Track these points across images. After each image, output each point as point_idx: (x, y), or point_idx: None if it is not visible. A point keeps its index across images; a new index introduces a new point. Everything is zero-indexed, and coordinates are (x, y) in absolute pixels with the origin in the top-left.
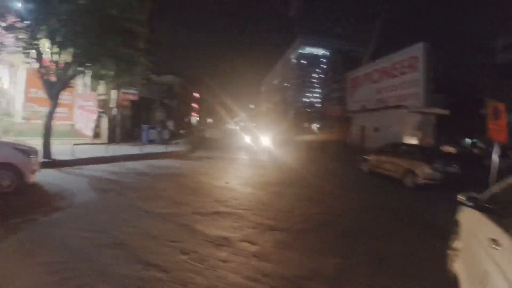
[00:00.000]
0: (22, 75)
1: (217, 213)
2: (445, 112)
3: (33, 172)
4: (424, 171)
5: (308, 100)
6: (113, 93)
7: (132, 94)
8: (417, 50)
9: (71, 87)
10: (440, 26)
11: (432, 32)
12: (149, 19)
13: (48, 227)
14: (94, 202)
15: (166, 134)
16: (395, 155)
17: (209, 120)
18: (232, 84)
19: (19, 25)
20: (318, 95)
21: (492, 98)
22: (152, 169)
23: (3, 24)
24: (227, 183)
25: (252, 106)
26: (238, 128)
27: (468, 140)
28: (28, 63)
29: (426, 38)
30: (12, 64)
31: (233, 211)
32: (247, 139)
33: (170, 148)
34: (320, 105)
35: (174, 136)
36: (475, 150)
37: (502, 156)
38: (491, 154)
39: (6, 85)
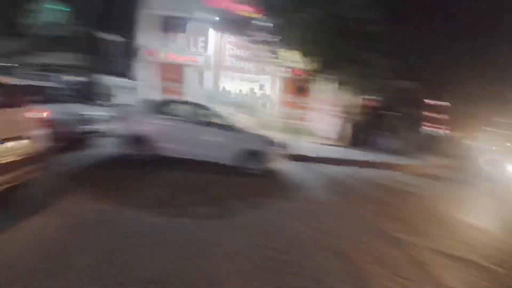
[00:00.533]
0: (279, 82)
1: (468, 261)
2: None
3: (276, 160)
4: None
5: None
6: (356, 99)
7: (373, 100)
8: None
9: (318, 92)
10: None
11: None
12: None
13: (275, 212)
14: (323, 202)
15: (397, 144)
16: None
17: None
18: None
19: (268, 39)
20: None
21: None
22: (389, 181)
23: (257, 39)
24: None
25: None
26: None
27: None
28: (282, 72)
29: None
30: (272, 73)
31: (489, 266)
32: None
33: (416, 161)
34: None
35: (418, 148)
36: None
37: None
38: None
39: (268, 91)
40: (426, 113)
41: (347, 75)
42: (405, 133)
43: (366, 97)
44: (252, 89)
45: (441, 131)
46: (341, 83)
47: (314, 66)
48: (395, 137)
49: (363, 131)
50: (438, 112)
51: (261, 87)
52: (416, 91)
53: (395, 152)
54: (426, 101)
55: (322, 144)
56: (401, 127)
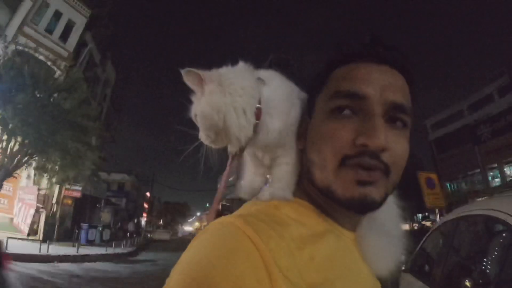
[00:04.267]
0: None
1: None
2: None
3: None
4: None
5: None
6: (56, 188)
7: (76, 190)
8: None
9: (14, 177)
10: None
11: None
12: (107, 116)
13: None
14: None
15: (107, 235)
16: None
17: (160, 222)
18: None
19: None
20: None
21: (432, 171)
22: (86, 272)
23: None
24: None
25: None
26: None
27: (419, 215)
28: None
29: None
30: None
31: None
32: None
33: (111, 250)
34: None
35: (118, 237)
36: (427, 223)
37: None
38: None
39: None
40: (144, 205)
41: (51, 162)
42: (119, 223)
43: (69, 187)
44: None
45: (145, 219)
46: (41, 170)
47: (13, 146)
48: (103, 228)
49: (62, 224)
50: (146, 203)
51: None
52: (131, 184)
53: (104, 243)
54: (147, 193)
55: (19, 239)
56: (115, 218)
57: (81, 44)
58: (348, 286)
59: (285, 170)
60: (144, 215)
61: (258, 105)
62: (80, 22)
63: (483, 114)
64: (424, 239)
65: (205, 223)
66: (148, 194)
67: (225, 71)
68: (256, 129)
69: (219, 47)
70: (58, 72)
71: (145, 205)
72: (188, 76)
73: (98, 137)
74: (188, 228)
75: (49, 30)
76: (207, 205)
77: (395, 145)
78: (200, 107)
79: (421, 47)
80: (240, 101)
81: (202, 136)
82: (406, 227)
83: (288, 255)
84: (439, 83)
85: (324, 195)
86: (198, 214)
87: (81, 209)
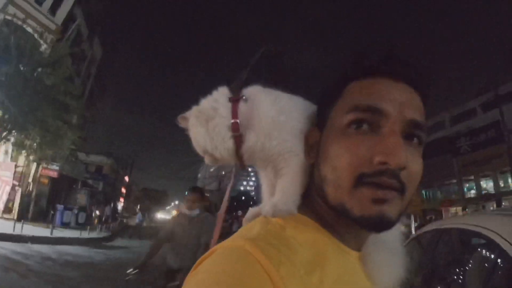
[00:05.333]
0: None
1: None
2: None
3: None
4: None
5: None
6: (33, 166)
7: (53, 170)
8: None
9: None
10: None
11: None
12: (90, 95)
13: None
14: None
15: (82, 218)
16: None
17: (138, 207)
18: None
19: None
20: None
21: None
22: (60, 255)
23: None
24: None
25: None
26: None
27: None
28: None
29: None
30: None
31: None
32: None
33: (86, 234)
34: None
35: (94, 221)
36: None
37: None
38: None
39: None
40: (122, 189)
41: (30, 139)
42: (95, 207)
43: (46, 166)
44: None
45: (122, 204)
46: (19, 146)
47: None
48: (79, 211)
49: (37, 203)
50: (124, 187)
51: None
52: (110, 167)
53: (79, 226)
54: (126, 178)
55: None
56: (91, 201)
57: (69, 18)
58: None
59: (287, 181)
60: (122, 200)
61: (234, 120)
62: None
63: (464, 127)
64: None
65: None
66: (126, 178)
67: (202, 103)
68: (239, 141)
69: (213, 31)
70: (44, 46)
71: (123, 190)
72: (181, 121)
73: (80, 116)
74: (164, 216)
75: (39, 1)
76: (186, 193)
77: (412, 163)
78: (192, 140)
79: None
80: (212, 123)
81: (207, 161)
82: None
83: (299, 281)
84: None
85: (337, 213)
86: (177, 202)
87: (57, 190)
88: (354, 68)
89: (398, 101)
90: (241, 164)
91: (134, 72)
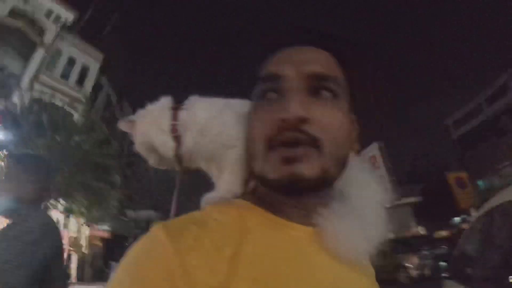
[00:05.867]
0: None
1: None
2: (417, 199)
3: None
4: (413, 262)
5: None
6: (84, 230)
7: (103, 230)
8: (373, 150)
9: None
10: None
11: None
12: (128, 154)
13: None
14: None
15: None
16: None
17: None
18: None
19: None
20: None
21: (461, 171)
22: None
23: None
24: None
25: None
26: None
27: (457, 219)
28: None
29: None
30: None
31: None
32: None
33: None
34: None
35: None
36: (465, 225)
37: None
38: None
39: None
40: None
41: (76, 204)
42: None
43: (97, 227)
44: None
45: None
46: (67, 212)
47: None
48: None
49: (93, 264)
50: None
51: None
52: (159, 220)
53: None
54: None
55: None
56: None
57: (97, 86)
58: (293, 285)
59: (226, 173)
60: None
61: (174, 122)
62: (94, 66)
63: (502, 104)
64: (460, 241)
65: None
66: None
67: (148, 107)
68: (178, 142)
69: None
70: (75, 115)
71: None
72: (126, 124)
73: (121, 176)
74: None
75: (64, 76)
76: None
77: (321, 116)
78: (137, 140)
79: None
80: (156, 124)
81: (150, 162)
82: (443, 234)
83: (202, 255)
84: (455, 80)
85: (263, 185)
86: None
87: (110, 248)
88: (264, 46)
89: (296, 60)
90: (181, 167)
91: None
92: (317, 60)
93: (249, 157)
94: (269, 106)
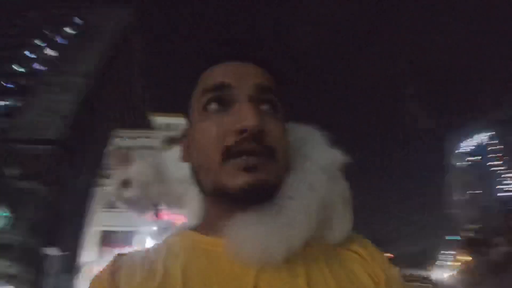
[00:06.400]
0: None
1: None
2: None
3: None
4: None
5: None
6: None
7: None
8: None
9: None
10: None
11: None
12: None
13: None
14: None
15: None
16: None
17: None
18: None
19: None
20: None
21: None
22: None
23: None
24: None
25: None
26: None
27: None
28: None
29: None
30: None
31: None
32: None
33: None
34: None
35: None
36: None
37: None
38: None
39: None
40: None
41: None
42: None
43: None
44: None
45: None
46: None
47: None
48: None
49: None
50: None
51: None
52: None
53: None
54: None
55: None
56: None
57: None
58: None
59: (187, 200)
60: None
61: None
62: None
63: None
64: None
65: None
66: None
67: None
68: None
69: None
70: None
71: None
72: (114, 154)
73: None
74: (441, 271)
75: None
76: (448, 238)
77: (271, 127)
78: (135, 170)
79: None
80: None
81: (134, 193)
82: None
83: (131, 280)
84: None
85: (215, 195)
86: (446, 252)
87: None
88: (203, 58)
89: (239, 73)
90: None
91: None
92: (259, 74)
93: (198, 170)
94: (218, 116)
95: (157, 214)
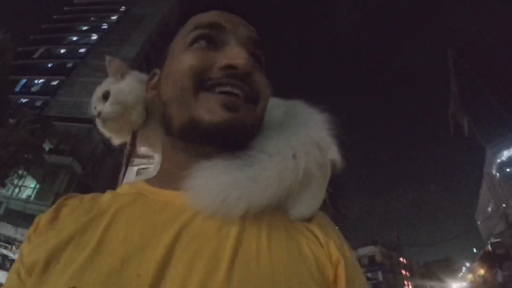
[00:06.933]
0: None
1: None
2: None
3: None
4: None
5: None
6: None
7: None
8: None
9: None
10: None
11: None
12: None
13: None
14: None
15: None
16: None
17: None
18: None
19: None
20: None
21: None
22: None
23: None
24: None
25: None
26: None
27: None
28: None
29: None
30: None
31: None
32: None
33: None
34: None
35: None
36: None
37: None
38: None
39: None
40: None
41: None
42: None
43: None
44: None
45: None
46: None
47: None
48: None
49: None
50: (405, 269)
51: None
52: (381, 254)
53: None
54: (401, 259)
55: None
56: None
57: None
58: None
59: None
60: (407, 283)
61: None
62: None
63: None
64: None
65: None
66: (402, 259)
67: (135, 73)
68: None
69: None
70: None
71: (404, 272)
72: (112, 63)
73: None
74: (460, 284)
75: None
76: (474, 250)
77: (258, 76)
78: (119, 86)
79: None
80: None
81: (108, 110)
82: None
83: (71, 212)
84: None
85: (184, 133)
86: (467, 264)
87: None
88: (194, 5)
89: (234, 20)
90: (133, 141)
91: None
92: (252, 28)
93: (169, 103)
94: (205, 52)
95: (131, 151)
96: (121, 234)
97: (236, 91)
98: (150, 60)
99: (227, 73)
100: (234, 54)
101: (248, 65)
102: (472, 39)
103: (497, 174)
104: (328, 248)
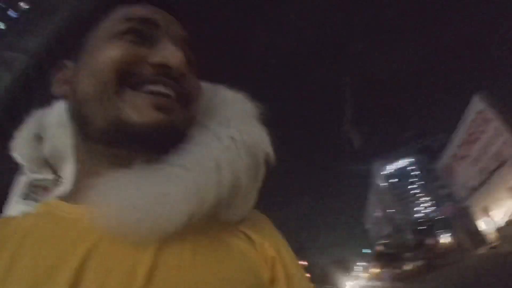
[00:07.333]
0: None
1: None
2: None
3: None
4: None
5: (421, 215)
6: None
7: None
8: (476, 104)
9: None
10: None
11: None
12: None
13: None
14: None
15: None
16: None
17: None
18: None
19: None
20: (428, 204)
21: None
22: None
23: None
24: None
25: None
26: None
27: None
28: None
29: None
30: None
31: None
32: None
33: None
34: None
35: None
36: None
37: None
38: None
39: None
40: None
41: None
42: None
43: None
44: None
45: None
46: None
47: None
48: None
49: None
50: None
51: None
52: None
53: None
54: None
55: None
56: None
57: None
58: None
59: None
60: None
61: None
62: None
63: None
64: None
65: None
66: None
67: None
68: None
69: None
70: None
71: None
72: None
73: None
74: (353, 282)
75: None
76: (364, 251)
77: (190, 77)
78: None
79: None
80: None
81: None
82: None
83: None
84: None
85: (105, 136)
86: (363, 264)
87: None
88: None
89: (167, 18)
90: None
91: None
92: (182, 28)
93: (85, 102)
94: (133, 46)
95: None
96: (28, 260)
97: (168, 91)
98: (53, 52)
99: (158, 71)
100: (169, 53)
101: (182, 65)
102: (368, 69)
103: (383, 184)
104: (262, 249)
